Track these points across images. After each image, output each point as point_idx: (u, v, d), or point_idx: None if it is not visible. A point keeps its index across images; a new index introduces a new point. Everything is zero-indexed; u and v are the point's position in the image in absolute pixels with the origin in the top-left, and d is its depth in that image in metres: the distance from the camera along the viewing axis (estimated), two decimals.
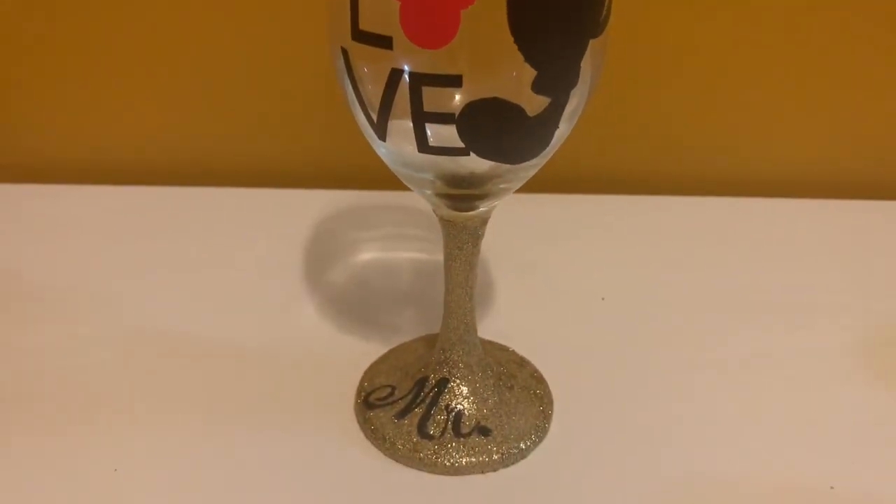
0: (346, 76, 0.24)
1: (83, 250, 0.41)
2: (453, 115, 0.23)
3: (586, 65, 0.24)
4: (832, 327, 0.37)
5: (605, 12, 0.24)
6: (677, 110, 0.48)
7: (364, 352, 0.35)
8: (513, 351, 0.35)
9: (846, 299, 0.39)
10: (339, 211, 0.45)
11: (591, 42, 0.23)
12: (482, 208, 0.28)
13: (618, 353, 0.36)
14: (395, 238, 0.44)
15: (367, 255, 0.42)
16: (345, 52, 0.24)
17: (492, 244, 0.41)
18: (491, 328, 0.36)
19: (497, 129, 0.23)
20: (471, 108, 0.23)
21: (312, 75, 0.43)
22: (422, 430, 0.30)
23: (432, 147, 0.24)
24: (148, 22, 0.45)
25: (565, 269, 0.42)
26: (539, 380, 0.33)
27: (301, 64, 0.45)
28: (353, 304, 0.38)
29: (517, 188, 0.27)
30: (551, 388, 0.33)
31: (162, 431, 0.31)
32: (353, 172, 0.44)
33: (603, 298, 0.39)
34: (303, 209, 0.45)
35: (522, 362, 0.34)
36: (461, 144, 0.23)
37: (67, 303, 0.38)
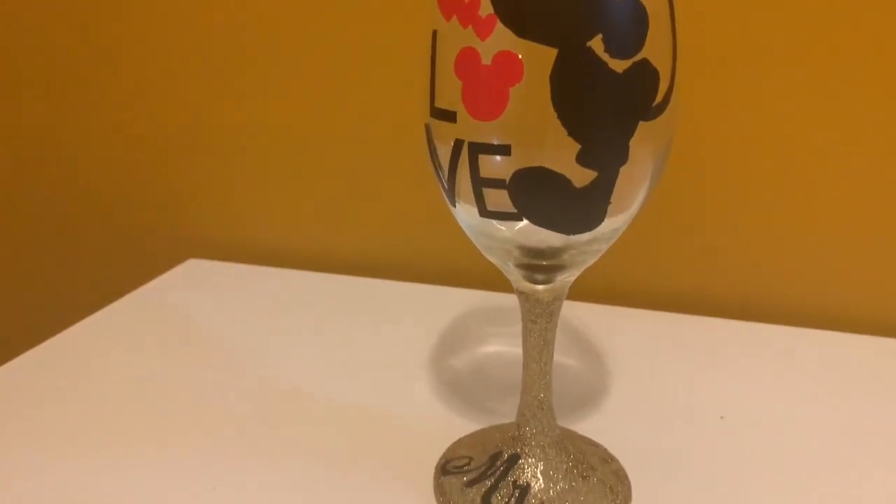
0: (429, 149, 0.28)
1: (265, 320, 0.49)
2: (504, 181, 0.25)
3: (639, 145, 0.25)
4: None
5: (660, 99, 0.25)
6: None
7: (465, 429, 0.36)
8: (603, 448, 0.34)
9: None
10: (483, 309, 0.48)
11: (643, 124, 0.25)
12: (557, 281, 0.29)
13: (724, 473, 0.34)
14: None
15: (491, 348, 0.44)
16: (427, 129, 0.28)
17: (612, 353, 0.42)
18: (590, 427, 0.36)
19: (544, 197, 0.25)
20: (519, 175, 0.25)
21: None
22: (486, 500, 0.31)
23: (490, 211, 0.26)
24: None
25: (683, 387, 0.40)
26: (621, 478, 0.32)
27: None
28: (466, 388, 0.40)
29: (592, 262, 0.29)
30: (634, 491, 0.32)
31: (258, 465, 0.34)
32: None
33: (722, 417, 0.37)
34: (454, 305, 0.49)
35: (608, 459, 0.34)
36: (514, 210, 0.26)
37: (238, 358, 0.44)
